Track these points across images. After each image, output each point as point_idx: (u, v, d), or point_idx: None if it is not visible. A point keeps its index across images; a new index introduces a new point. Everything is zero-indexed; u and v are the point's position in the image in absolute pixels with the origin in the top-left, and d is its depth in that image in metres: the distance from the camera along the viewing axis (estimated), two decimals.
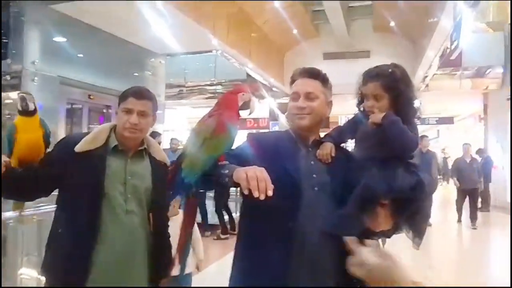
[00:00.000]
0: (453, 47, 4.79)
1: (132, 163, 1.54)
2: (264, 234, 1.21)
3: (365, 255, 0.87)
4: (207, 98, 9.93)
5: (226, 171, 1.12)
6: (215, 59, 8.71)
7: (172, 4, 4.91)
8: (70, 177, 1.45)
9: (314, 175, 1.26)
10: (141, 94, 1.52)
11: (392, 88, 1.27)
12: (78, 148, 1.47)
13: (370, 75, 1.29)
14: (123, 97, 1.51)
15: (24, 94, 1.41)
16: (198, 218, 5.36)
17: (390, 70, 1.31)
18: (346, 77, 8.39)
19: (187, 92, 10.51)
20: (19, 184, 1.41)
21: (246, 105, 1.26)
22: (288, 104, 1.36)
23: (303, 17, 8.65)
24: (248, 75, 8.50)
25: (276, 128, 11.17)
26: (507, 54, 7.09)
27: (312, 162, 1.29)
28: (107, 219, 1.44)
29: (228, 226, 5.81)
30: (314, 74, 1.36)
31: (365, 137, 1.32)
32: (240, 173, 1.06)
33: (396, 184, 1.19)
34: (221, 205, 5.82)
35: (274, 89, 10.12)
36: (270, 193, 1.01)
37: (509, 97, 7.30)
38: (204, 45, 6.57)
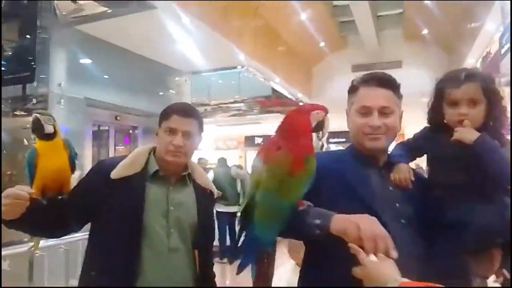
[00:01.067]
0: (503, 51, 4.42)
1: (174, 191, 1.32)
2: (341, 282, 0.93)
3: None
4: (231, 116, 9.79)
5: (317, 221, 0.87)
6: (238, 75, 8.57)
7: (198, 19, 4.75)
8: (105, 208, 1.25)
9: (397, 204, 1.04)
10: (186, 111, 1.32)
11: (492, 92, 1.07)
12: (114, 174, 1.27)
13: (465, 75, 1.08)
14: (165, 115, 1.31)
15: (38, 115, 1.23)
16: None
17: (484, 71, 1.14)
18: None
19: (211, 111, 10.42)
20: (46, 218, 1.22)
21: (319, 127, 0.99)
22: (351, 118, 1.14)
23: (330, 29, 8.40)
24: (274, 91, 8.26)
25: None
26: None
27: (390, 188, 1.07)
28: (147, 258, 1.23)
29: None
30: (388, 83, 1.10)
31: (448, 158, 1.08)
32: (345, 225, 0.84)
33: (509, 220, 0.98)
34: None
35: (300, 104, 9.85)
36: (394, 255, 0.80)
37: None
38: (230, 61, 6.41)
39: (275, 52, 7.50)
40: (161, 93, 6.44)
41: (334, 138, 12.32)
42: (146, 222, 1.24)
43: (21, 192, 1.09)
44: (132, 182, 1.27)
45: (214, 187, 1.45)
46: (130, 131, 6.55)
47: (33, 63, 4.46)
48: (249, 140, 14.17)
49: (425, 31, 7.91)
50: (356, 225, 0.82)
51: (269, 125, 12.69)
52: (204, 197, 1.39)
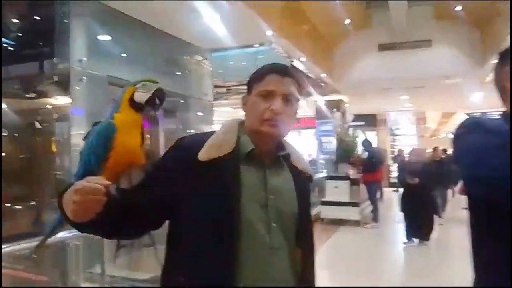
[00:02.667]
0: None
1: (272, 175, 1.07)
2: None
3: None
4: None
5: None
6: (254, 56, 8.23)
7: None
8: (191, 198, 1.00)
9: None
10: (286, 70, 1.07)
11: None
12: (202, 155, 1.01)
13: None
14: (258, 75, 1.07)
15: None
16: None
17: None
18: (403, 70, 7.61)
19: (226, 92, 10.16)
20: (122, 216, 0.97)
21: None
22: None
23: (355, 6, 7.96)
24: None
25: (324, 128, 10.53)
26: None
27: None
28: (246, 259, 0.98)
29: None
30: None
31: None
32: None
33: None
34: None
35: (321, 84, 9.48)
36: None
37: None
38: (255, 39, 6.07)
39: (299, 30, 7.12)
40: (178, 73, 6.12)
41: (355, 121, 11.98)
42: (243, 214, 0.98)
43: (97, 185, 0.82)
44: (224, 164, 1.01)
45: (311, 169, 1.18)
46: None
47: (51, 39, 4.20)
48: None
49: (458, 8, 7.44)
50: None
51: None
52: (304, 183, 1.15)
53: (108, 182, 0.84)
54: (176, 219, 1.03)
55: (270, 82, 1.04)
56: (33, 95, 4.83)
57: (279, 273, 1.02)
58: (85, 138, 1.06)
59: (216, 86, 9.48)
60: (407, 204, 6.13)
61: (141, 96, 1.05)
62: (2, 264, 2.31)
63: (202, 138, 1.05)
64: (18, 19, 4.51)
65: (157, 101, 1.06)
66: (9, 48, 4.39)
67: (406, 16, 7.79)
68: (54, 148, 4.42)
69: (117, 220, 0.96)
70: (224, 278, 0.95)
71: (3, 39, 4.24)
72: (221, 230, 0.96)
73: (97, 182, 0.83)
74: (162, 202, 1.01)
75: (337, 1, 6.97)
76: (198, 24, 5.12)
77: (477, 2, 7.09)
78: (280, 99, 1.02)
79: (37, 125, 5.22)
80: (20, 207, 4.42)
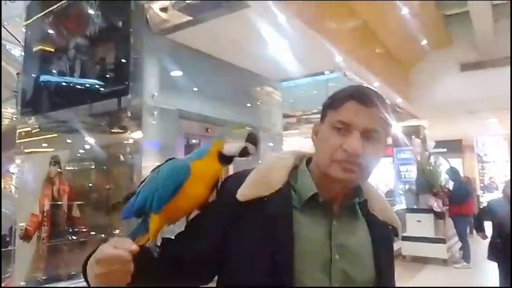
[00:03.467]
0: None
1: (340, 228, 0.83)
2: None
3: None
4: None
5: None
6: (326, 84, 8.02)
7: (295, 18, 4.30)
8: (232, 250, 0.82)
9: None
10: (369, 98, 0.82)
11: None
12: (240, 194, 0.83)
13: None
14: (335, 101, 0.85)
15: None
16: None
17: None
18: (489, 90, 6.84)
19: (296, 122, 10.05)
20: (167, 272, 0.82)
21: None
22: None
23: (433, 25, 7.44)
24: None
25: (402, 156, 9.85)
26: None
27: None
28: None
29: None
30: None
31: None
32: None
33: None
34: None
35: (398, 110, 8.91)
36: None
37: None
38: (324, 66, 5.87)
39: (372, 54, 6.79)
40: (249, 105, 6.10)
41: (437, 147, 11.05)
42: (296, 278, 0.76)
43: (123, 253, 0.66)
44: (268, 207, 0.80)
45: (398, 221, 0.91)
46: None
47: (127, 78, 4.40)
48: None
49: None
50: None
51: None
52: (385, 239, 0.89)
53: (135, 247, 0.67)
54: (221, 275, 0.85)
55: (347, 112, 0.81)
56: (118, 130, 5.11)
57: None
58: (153, 170, 0.93)
59: (285, 116, 9.39)
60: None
61: (233, 148, 0.89)
62: None
63: (246, 174, 0.86)
64: (98, 61, 4.81)
65: (251, 149, 0.89)
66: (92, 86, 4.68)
67: (492, 31, 7.10)
68: (135, 179, 4.57)
69: (159, 279, 0.80)
70: None
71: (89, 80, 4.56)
72: None
73: (124, 247, 0.66)
74: (206, 255, 0.84)
75: (412, 20, 6.57)
76: (266, 54, 5.07)
77: None
78: (359, 135, 0.79)
79: (121, 157, 5.50)
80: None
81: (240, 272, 0.79)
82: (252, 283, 0.77)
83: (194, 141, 5.74)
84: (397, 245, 7.05)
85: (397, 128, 9.58)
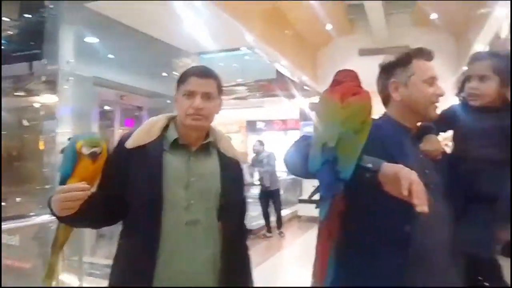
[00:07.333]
0: None
1: (196, 160, 1.28)
2: (377, 240, 1.08)
3: None
4: (233, 99, 9.71)
5: (369, 165, 0.94)
6: (242, 58, 8.47)
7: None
8: (128, 182, 1.22)
9: (426, 171, 1.13)
10: (204, 72, 1.28)
11: (502, 70, 1.22)
12: (129, 143, 1.24)
13: (479, 56, 1.33)
14: (183, 78, 1.27)
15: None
16: None
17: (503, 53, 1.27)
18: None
19: None
20: (94, 210, 1.17)
21: None
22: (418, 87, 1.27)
23: (337, 13, 8.28)
24: (278, 74, 8.19)
25: (308, 130, 10.84)
26: None
27: (421, 156, 1.19)
28: (166, 231, 1.20)
29: None
30: None
31: (475, 133, 1.22)
32: (395, 169, 0.90)
33: None
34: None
35: (305, 87, 9.78)
36: (426, 209, 0.84)
37: None
38: (237, 42, 6.34)
39: (282, 35, 7.42)
40: (165, 74, 6.37)
41: None
42: (165, 194, 1.20)
43: (81, 185, 1.07)
44: (148, 151, 1.22)
45: (240, 156, 1.41)
46: (136, 113, 6.53)
47: (41, 41, 4.43)
48: (251, 125, 14.06)
49: (433, 16, 7.80)
50: (400, 172, 0.87)
51: (271, 109, 12.65)
52: (230, 167, 1.33)
53: (88, 186, 1.08)
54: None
55: (190, 83, 1.26)
56: (22, 93, 5.05)
57: (195, 243, 1.21)
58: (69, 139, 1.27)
59: None
60: None
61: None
62: None
63: (132, 132, 1.29)
64: (10, 19, 4.73)
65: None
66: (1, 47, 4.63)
67: (386, 22, 8.15)
68: (41, 146, 4.62)
69: (96, 212, 1.19)
70: (149, 248, 1.17)
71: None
72: (147, 208, 1.20)
73: (78, 188, 1.07)
74: (116, 193, 1.23)
75: (316, 1, 7.26)
76: (183, 29, 5.35)
77: (452, 12, 7.44)
78: (200, 97, 1.24)
79: (25, 123, 5.43)
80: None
81: (132, 198, 1.21)
82: (138, 201, 1.20)
83: (108, 108, 5.90)
84: (294, 208, 8.01)
85: (304, 104, 10.50)
